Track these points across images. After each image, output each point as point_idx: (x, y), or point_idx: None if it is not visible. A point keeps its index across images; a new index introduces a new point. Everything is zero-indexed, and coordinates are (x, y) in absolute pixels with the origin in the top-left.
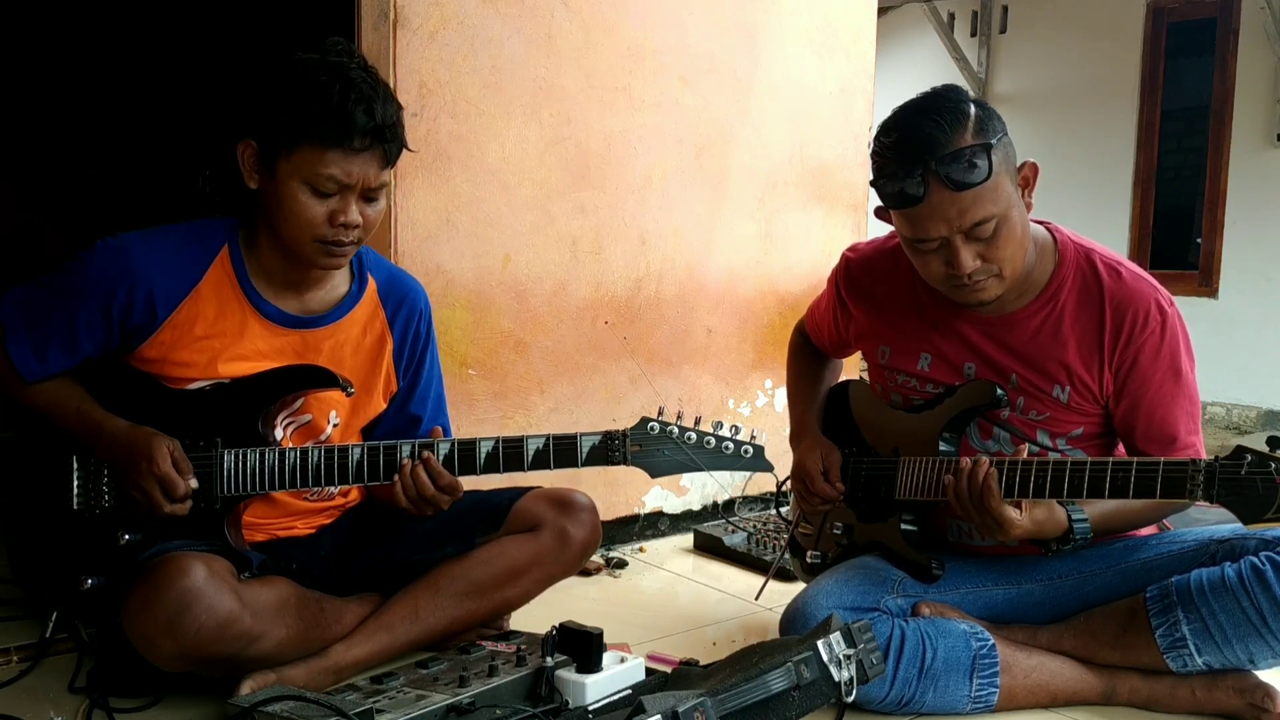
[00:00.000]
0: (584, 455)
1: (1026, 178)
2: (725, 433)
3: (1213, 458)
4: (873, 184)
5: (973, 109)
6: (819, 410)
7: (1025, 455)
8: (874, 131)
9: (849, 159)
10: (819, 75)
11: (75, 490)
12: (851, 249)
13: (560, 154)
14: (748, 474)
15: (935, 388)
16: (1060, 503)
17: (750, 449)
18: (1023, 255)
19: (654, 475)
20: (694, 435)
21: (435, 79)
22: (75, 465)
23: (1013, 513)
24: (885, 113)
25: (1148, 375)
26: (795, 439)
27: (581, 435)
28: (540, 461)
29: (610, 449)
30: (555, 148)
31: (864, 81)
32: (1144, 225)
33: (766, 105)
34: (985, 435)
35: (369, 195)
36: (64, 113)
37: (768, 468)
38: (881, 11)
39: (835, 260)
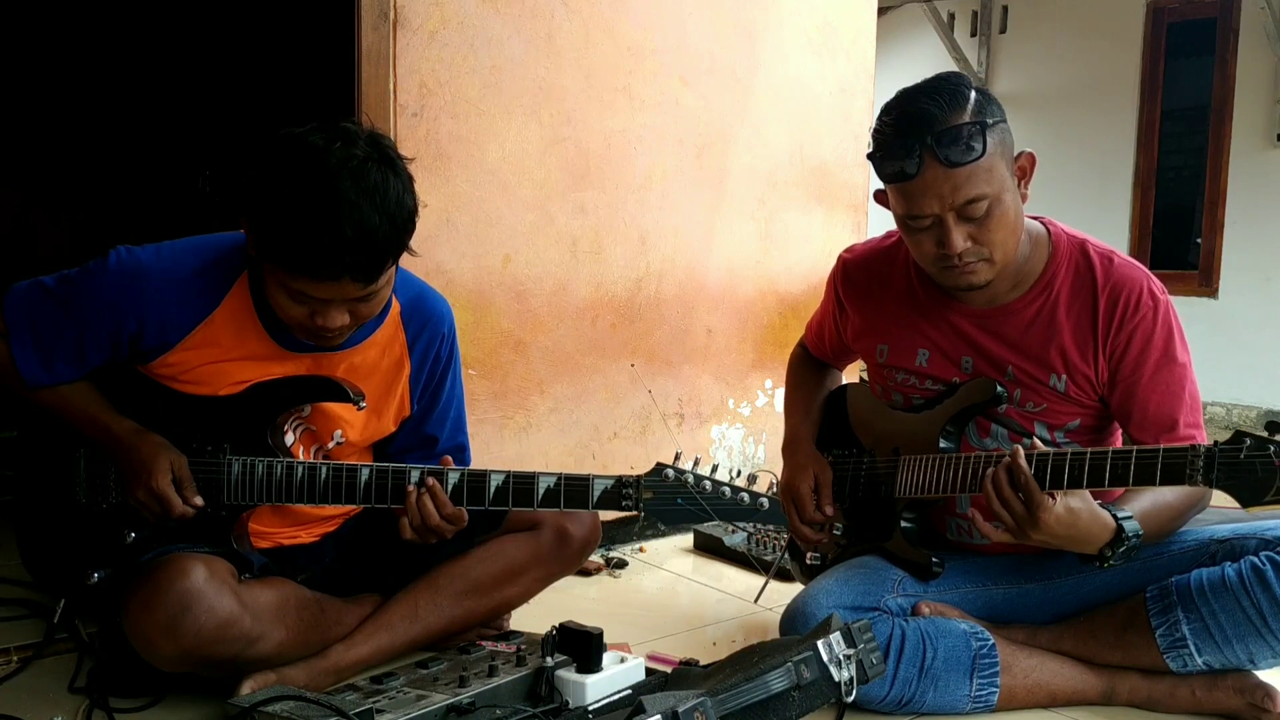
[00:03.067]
0: (595, 498)
1: (1024, 167)
2: (740, 482)
3: (1212, 442)
4: (869, 158)
5: (973, 93)
6: (815, 418)
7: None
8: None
9: (849, 159)
10: (819, 75)
11: (82, 485)
12: (848, 250)
13: (560, 154)
14: (747, 473)
15: (935, 383)
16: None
17: (765, 502)
18: (1014, 242)
19: (666, 524)
20: (709, 485)
21: (435, 79)
22: (82, 460)
23: (1047, 498)
24: None
25: (1141, 360)
26: (787, 450)
27: (594, 478)
28: (550, 500)
29: (622, 495)
30: (555, 148)
31: (864, 81)
32: (1144, 225)
33: (766, 105)
34: (983, 433)
35: (359, 298)
36: (64, 112)
37: (781, 521)
38: (881, 11)
39: (835, 260)
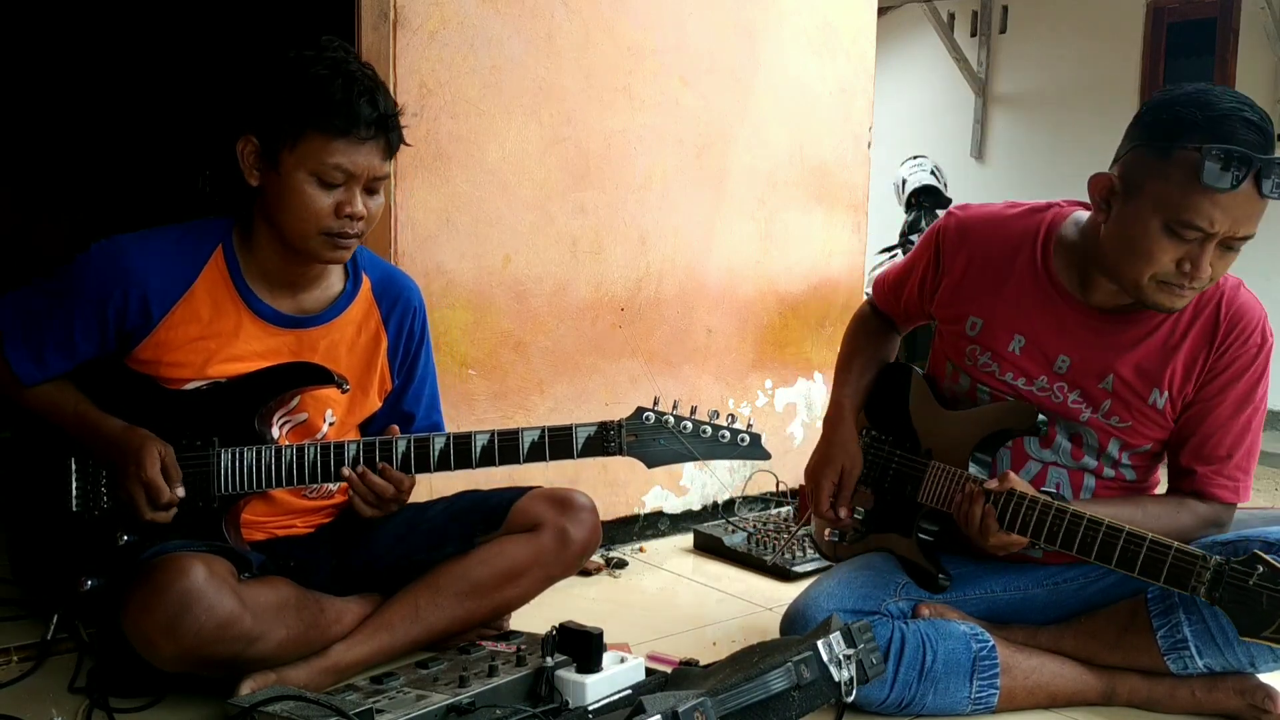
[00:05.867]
0: (580, 446)
1: None
2: (721, 421)
3: (1225, 559)
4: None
5: None
6: (864, 389)
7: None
8: (872, 131)
9: (849, 159)
10: (819, 75)
11: (74, 492)
12: (961, 207)
13: (560, 154)
14: (747, 475)
15: (1015, 377)
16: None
17: (746, 437)
18: None
19: (650, 465)
20: (690, 424)
21: (435, 79)
22: (74, 467)
23: (1016, 536)
24: (885, 113)
25: (1226, 388)
26: (828, 426)
27: (577, 426)
28: (536, 454)
29: (606, 439)
30: (555, 148)
31: (864, 81)
32: None
33: (766, 105)
34: (1045, 444)
35: (371, 187)
36: (63, 113)
37: (764, 456)
38: (881, 11)
39: (835, 260)
